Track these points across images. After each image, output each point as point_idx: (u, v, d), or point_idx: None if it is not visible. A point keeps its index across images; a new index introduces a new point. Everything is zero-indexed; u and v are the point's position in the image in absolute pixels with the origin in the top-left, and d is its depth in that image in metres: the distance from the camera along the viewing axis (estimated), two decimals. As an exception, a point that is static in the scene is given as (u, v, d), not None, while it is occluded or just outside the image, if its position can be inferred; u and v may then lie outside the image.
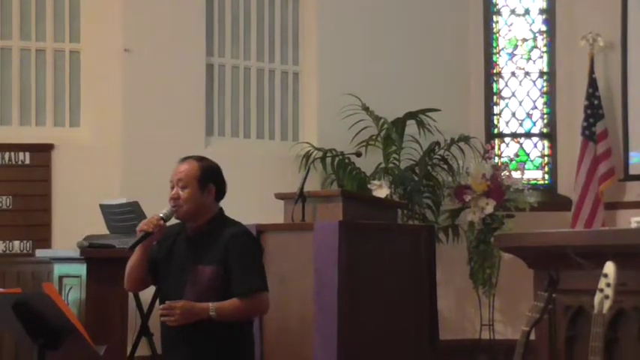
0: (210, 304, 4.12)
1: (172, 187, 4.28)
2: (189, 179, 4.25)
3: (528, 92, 9.35)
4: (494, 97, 9.36)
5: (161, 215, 4.23)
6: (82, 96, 8.04)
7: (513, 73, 9.38)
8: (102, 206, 6.93)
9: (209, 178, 4.29)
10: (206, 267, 4.19)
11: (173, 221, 4.38)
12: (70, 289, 6.25)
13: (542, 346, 3.86)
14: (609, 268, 3.24)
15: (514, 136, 9.35)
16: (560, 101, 9.19)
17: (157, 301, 4.86)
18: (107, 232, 6.81)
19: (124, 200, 6.85)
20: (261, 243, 5.80)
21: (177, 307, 4.11)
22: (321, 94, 8.63)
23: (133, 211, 6.64)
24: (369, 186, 7.91)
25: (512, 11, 9.43)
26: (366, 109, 8.42)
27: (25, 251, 7.70)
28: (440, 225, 8.32)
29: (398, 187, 8.12)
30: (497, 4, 9.44)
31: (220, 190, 4.34)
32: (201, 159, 4.34)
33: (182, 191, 4.24)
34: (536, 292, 3.63)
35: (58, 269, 6.41)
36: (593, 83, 8.57)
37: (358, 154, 6.76)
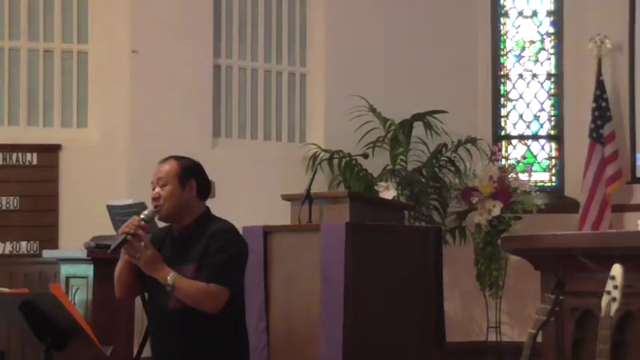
0: (172, 273, 4.05)
1: (153, 189, 4.25)
2: (168, 177, 4.22)
3: (536, 94, 9.34)
4: (502, 99, 9.35)
5: (142, 217, 4.17)
6: (90, 97, 8.05)
7: (521, 75, 9.37)
8: (109, 207, 6.92)
9: (189, 175, 4.24)
10: (189, 266, 4.12)
11: (161, 224, 4.33)
12: (77, 289, 6.24)
13: (549, 348, 3.86)
14: (616, 270, 3.24)
15: (521, 138, 9.34)
16: (568, 103, 9.17)
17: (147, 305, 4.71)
18: (114, 233, 6.80)
19: (130, 201, 6.83)
20: (269, 244, 5.85)
21: (149, 249, 4.07)
22: (328, 95, 8.63)
23: (140, 212, 6.62)
24: (375, 187, 7.91)
25: (520, 13, 9.42)
26: (373, 110, 8.42)
27: (32, 252, 7.72)
28: (447, 227, 8.30)
29: (405, 188, 8.12)
30: (504, 6, 9.43)
31: (203, 187, 4.29)
32: (180, 158, 4.32)
33: (162, 189, 4.21)
34: (543, 294, 3.62)
35: (65, 270, 6.41)
36: (600, 85, 8.56)
37: (365, 156, 6.75)
